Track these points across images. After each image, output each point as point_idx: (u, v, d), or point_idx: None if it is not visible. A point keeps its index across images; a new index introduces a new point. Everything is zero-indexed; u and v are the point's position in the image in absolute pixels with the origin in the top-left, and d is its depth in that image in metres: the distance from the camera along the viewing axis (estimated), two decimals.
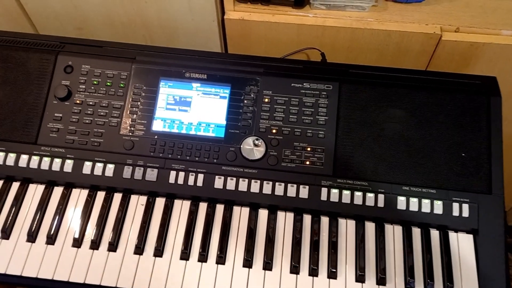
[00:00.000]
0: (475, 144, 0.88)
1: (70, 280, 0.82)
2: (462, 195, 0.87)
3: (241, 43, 1.20)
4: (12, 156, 0.91)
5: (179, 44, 1.25)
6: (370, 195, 0.87)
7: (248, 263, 0.84)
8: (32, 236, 0.86)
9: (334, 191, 0.88)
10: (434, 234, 0.87)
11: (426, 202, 0.87)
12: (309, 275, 0.83)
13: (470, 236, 0.86)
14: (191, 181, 0.90)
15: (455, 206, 0.86)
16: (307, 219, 0.89)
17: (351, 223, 0.88)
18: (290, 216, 0.89)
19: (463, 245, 0.86)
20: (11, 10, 1.22)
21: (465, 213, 0.86)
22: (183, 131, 0.93)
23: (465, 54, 1.11)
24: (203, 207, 0.90)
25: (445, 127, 0.90)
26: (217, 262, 0.84)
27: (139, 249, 0.85)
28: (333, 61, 1.08)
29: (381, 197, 0.87)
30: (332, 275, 0.83)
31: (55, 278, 0.82)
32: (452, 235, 0.87)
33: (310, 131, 0.91)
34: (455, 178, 0.88)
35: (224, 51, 1.25)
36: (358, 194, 0.87)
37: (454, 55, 1.11)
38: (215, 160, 0.91)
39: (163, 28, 1.21)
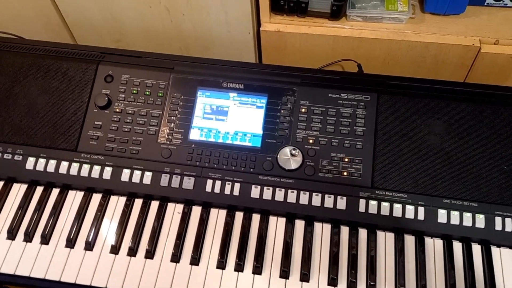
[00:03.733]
0: None
1: (108, 287, 0.83)
2: (505, 209, 0.84)
3: (275, 55, 1.21)
4: (52, 163, 0.93)
5: (213, 55, 1.26)
6: (410, 208, 0.86)
7: (285, 274, 0.83)
8: (71, 242, 0.87)
9: (373, 203, 0.86)
10: (476, 248, 0.84)
11: (467, 215, 0.84)
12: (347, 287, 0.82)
13: None
14: (227, 190, 0.90)
15: (498, 220, 0.84)
16: (344, 230, 0.87)
17: (390, 236, 0.86)
18: (327, 227, 0.88)
19: (506, 260, 0.83)
20: (52, 22, 1.26)
21: (509, 228, 0.83)
22: (220, 140, 0.93)
23: (505, 66, 1.09)
24: (239, 216, 0.90)
25: (486, 140, 0.88)
26: (254, 272, 0.84)
27: (175, 257, 0.85)
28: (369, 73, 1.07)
29: (421, 209, 0.86)
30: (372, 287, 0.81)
31: (93, 284, 0.83)
32: (494, 250, 0.84)
33: (348, 142, 0.90)
34: (498, 191, 0.85)
35: (258, 62, 1.26)
36: (398, 206, 0.86)
37: (493, 67, 1.09)
38: (251, 170, 0.91)
39: (199, 40, 1.23)
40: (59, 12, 1.23)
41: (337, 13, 1.09)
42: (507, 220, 0.84)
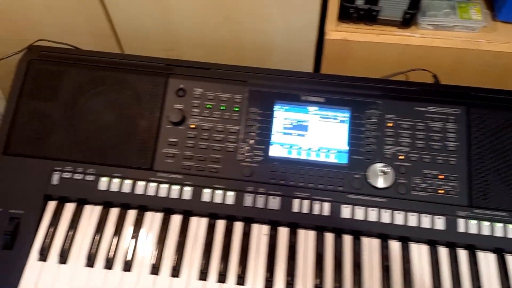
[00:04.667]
0: None
1: None
2: None
3: (337, 64, 1.17)
4: (127, 183, 0.87)
5: (270, 65, 1.21)
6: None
7: None
8: (156, 268, 0.81)
9: (473, 222, 0.83)
10: None
11: None
12: None
13: None
14: (316, 210, 0.85)
15: None
16: (443, 252, 0.83)
17: (492, 257, 0.83)
18: (424, 248, 0.84)
19: None
20: (101, 30, 1.20)
21: None
22: (303, 157, 0.89)
23: None
24: (329, 237, 0.85)
25: None
26: None
27: (270, 282, 0.80)
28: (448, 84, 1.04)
29: None
30: None
31: None
32: None
33: (441, 158, 0.87)
34: None
35: (316, 72, 1.22)
36: (499, 225, 0.82)
37: None
38: (340, 188, 0.86)
39: (256, 50, 1.18)
40: (109, 20, 1.17)
41: (408, 21, 1.06)
42: None
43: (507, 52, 1.06)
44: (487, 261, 0.82)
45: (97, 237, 0.84)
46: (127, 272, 0.81)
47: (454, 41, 1.07)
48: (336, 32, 1.09)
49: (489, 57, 1.07)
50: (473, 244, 0.83)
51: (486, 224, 0.83)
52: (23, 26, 1.18)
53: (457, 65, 1.11)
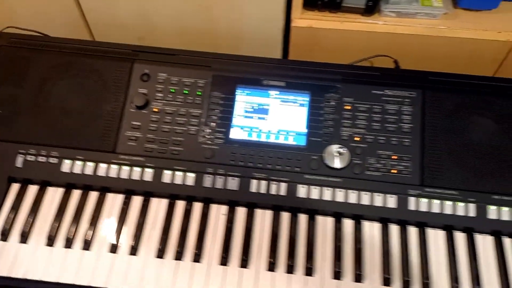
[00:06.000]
0: None
1: None
2: None
3: (304, 51, 1.19)
4: (90, 165, 0.90)
5: (243, 53, 1.23)
6: (461, 205, 0.85)
7: (338, 275, 0.81)
8: (115, 247, 0.84)
9: (423, 201, 0.85)
10: None
11: None
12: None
13: None
14: (273, 190, 0.88)
15: None
16: (394, 229, 0.86)
17: (441, 234, 0.85)
18: (377, 226, 0.86)
19: None
20: (72, 18, 1.21)
21: None
22: (263, 139, 0.91)
23: None
24: (285, 217, 0.88)
25: None
26: (306, 274, 0.82)
27: (224, 260, 0.83)
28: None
29: (471, 206, 0.85)
30: (426, 286, 0.80)
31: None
32: None
33: (395, 139, 0.89)
34: None
35: (284, 59, 1.24)
36: (449, 203, 0.85)
37: None
38: (297, 169, 0.89)
39: (228, 37, 1.21)
40: (79, 8, 1.19)
41: (371, 8, 1.08)
42: None
43: (468, 39, 1.09)
44: (436, 238, 0.85)
45: (58, 218, 0.86)
46: (86, 251, 0.84)
47: (416, 28, 1.09)
48: (302, 19, 1.12)
49: (452, 43, 1.10)
50: (423, 222, 0.85)
51: (436, 202, 0.85)
52: None
53: (421, 52, 1.14)
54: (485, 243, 0.85)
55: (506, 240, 0.85)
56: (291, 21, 1.12)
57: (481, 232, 0.86)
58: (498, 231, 0.85)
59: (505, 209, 0.85)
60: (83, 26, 1.24)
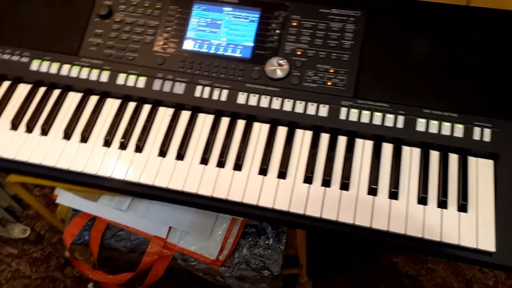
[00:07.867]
0: (500, 69, 0.87)
1: (98, 173, 0.89)
2: (484, 120, 0.86)
3: None
4: (55, 65, 0.99)
5: None
6: (390, 116, 0.88)
7: (263, 171, 0.87)
8: (67, 135, 0.93)
9: (354, 111, 0.89)
10: (453, 157, 0.86)
11: (446, 125, 0.86)
12: (322, 185, 0.85)
13: (490, 162, 0.85)
14: (215, 96, 0.94)
15: (477, 130, 0.85)
16: (324, 137, 0.90)
17: (369, 144, 0.89)
18: (308, 133, 0.91)
19: (482, 170, 0.85)
20: None
21: (486, 138, 0.85)
22: (212, 51, 0.97)
23: None
24: (225, 121, 0.94)
25: (470, 52, 0.89)
26: (234, 169, 0.88)
27: (162, 153, 0.90)
28: None
29: (400, 118, 0.88)
30: (344, 186, 0.84)
31: (71, 168, 0.89)
32: (471, 159, 0.86)
33: (335, 55, 0.93)
34: (478, 103, 0.87)
35: None
36: (378, 114, 0.88)
37: None
38: (239, 78, 0.94)
39: None
40: None
41: None
42: (486, 130, 0.85)
43: None
44: (363, 147, 0.88)
45: (24, 109, 0.97)
46: (43, 137, 0.94)
47: None
48: None
49: None
50: (353, 131, 0.89)
51: (366, 113, 0.88)
52: None
53: None
54: (412, 154, 0.87)
55: (433, 153, 0.87)
56: None
57: (409, 144, 0.88)
58: (426, 143, 0.87)
59: (434, 122, 0.87)
60: None
